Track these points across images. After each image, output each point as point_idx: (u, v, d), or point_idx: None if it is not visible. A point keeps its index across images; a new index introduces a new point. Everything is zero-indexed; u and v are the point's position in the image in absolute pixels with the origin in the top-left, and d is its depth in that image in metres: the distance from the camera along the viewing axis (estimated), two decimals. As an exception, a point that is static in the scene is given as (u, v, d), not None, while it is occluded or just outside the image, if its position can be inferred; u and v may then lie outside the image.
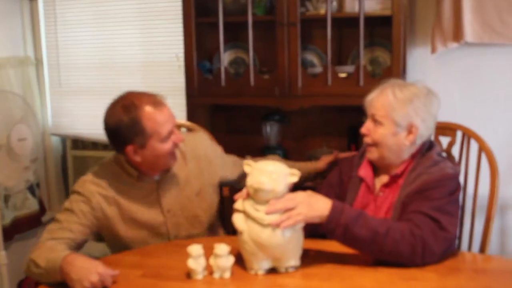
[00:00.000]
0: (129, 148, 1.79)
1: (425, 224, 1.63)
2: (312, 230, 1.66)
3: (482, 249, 2.12)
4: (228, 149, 2.24)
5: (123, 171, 1.89)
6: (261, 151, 2.80)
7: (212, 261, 1.63)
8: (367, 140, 1.83)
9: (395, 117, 1.76)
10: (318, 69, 2.60)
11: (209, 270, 1.64)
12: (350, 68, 2.53)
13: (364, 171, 1.89)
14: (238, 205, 1.62)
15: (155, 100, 1.79)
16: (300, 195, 1.58)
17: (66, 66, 3.33)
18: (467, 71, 2.65)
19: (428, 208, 1.65)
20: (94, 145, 3.44)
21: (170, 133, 1.81)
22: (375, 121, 1.80)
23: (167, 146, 1.81)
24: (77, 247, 1.82)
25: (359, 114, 2.55)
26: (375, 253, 1.63)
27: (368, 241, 1.58)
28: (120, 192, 1.88)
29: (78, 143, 3.49)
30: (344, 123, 2.73)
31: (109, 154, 2.01)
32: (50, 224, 1.85)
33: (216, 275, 1.62)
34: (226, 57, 2.77)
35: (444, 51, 2.59)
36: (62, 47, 3.32)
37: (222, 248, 1.61)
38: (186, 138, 1.96)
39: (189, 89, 2.65)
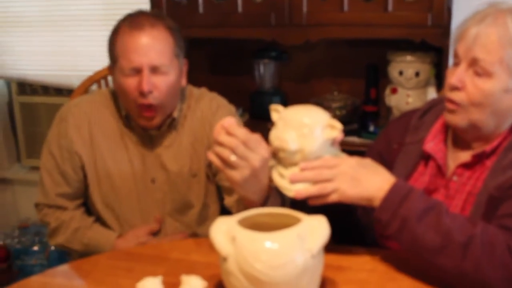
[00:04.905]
0: (109, 66, 1.59)
1: None
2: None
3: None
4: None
5: (114, 104, 1.63)
6: (251, 97, 2.48)
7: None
8: (457, 98, 1.25)
9: None
10: (330, -12, 2.15)
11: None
12: (374, -14, 2.05)
13: (434, 144, 1.36)
14: None
15: (137, 21, 1.51)
16: (347, 162, 1.20)
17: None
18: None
19: None
20: (44, 89, 3.05)
21: (136, 70, 1.48)
22: (479, 69, 1.23)
23: (128, 85, 1.49)
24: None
25: (381, 48, 2.20)
26: (445, 270, 1.13)
27: (435, 250, 1.12)
28: (103, 132, 1.60)
29: (26, 87, 3.09)
30: (361, 60, 2.33)
31: (64, 101, 1.70)
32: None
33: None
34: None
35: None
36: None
37: (193, 283, 1.05)
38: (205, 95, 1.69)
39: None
